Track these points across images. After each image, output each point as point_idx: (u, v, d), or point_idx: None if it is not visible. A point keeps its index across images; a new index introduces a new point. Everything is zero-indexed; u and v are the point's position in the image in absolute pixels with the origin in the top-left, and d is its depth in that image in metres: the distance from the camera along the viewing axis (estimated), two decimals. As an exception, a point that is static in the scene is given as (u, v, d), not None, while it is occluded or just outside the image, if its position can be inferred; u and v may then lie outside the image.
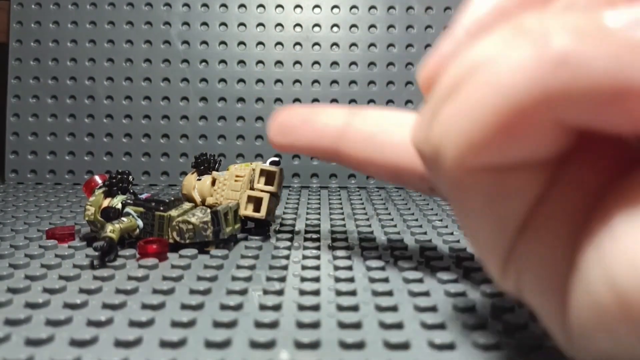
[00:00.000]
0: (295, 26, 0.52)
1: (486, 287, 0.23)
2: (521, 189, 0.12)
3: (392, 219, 0.36)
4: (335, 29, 0.52)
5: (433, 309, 0.21)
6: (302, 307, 0.21)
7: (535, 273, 0.13)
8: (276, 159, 0.32)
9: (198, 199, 0.32)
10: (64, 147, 0.51)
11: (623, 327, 0.11)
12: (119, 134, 0.51)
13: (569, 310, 0.12)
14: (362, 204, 0.42)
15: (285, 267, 0.26)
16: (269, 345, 0.18)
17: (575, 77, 0.10)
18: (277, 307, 0.21)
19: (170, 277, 0.24)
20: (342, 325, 0.20)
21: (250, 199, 0.31)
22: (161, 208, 0.29)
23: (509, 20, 0.12)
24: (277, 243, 0.30)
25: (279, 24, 0.52)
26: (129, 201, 0.30)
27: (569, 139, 0.11)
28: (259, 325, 0.20)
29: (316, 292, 0.23)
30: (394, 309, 0.21)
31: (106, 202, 0.30)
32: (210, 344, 0.18)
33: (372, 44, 0.52)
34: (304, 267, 0.26)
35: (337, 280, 0.24)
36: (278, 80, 0.51)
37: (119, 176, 0.31)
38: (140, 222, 0.29)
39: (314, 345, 0.18)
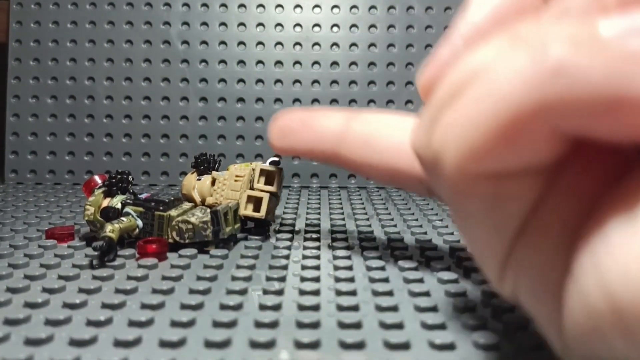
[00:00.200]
0: (295, 26, 0.52)
1: (486, 287, 0.23)
2: (519, 195, 0.12)
3: (392, 219, 0.36)
4: (335, 29, 0.52)
5: (433, 309, 0.21)
6: (302, 307, 0.21)
7: (531, 278, 0.13)
8: (276, 159, 0.32)
9: (198, 199, 0.32)
10: (63, 147, 0.51)
11: (617, 333, 0.11)
12: (118, 134, 0.51)
13: (564, 316, 0.12)
14: (362, 203, 0.41)
15: (285, 267, 0.26)
16: (269, 345, 0.18)
17: (571, 87, 0.10)
18: (277, 307, 0.21)
19: (169, 277, 0.24)
20: (342, 325, 0.20)
21: (250, 198, 0.31)
22: (161, 208, 0.29)
23: (505, 26, 0.12)
24: (277, 243, 0.30)
25: (279, 24, 0.52)
26: (128, 201, 0.30)
27: (565, 146, 0.12)
28: (258, 325, 0.20)
29: (316, 292, 0.23)
30: (394, 309, 0.21)
31: (106, 202, 0.30)
32: (209, 344, 0.18)
33: (372, 44, 0.52)
34: (303, 267, 0.26)
35: (337, 280, 0.24)
36: (278, 81, 0.51)
37: (119, 176, 0.31)
38: (139, 222, 0.29)
39: (314, 345, 0.18)
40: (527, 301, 0.13)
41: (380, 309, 0.21)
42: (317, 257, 0.28)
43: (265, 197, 0.31)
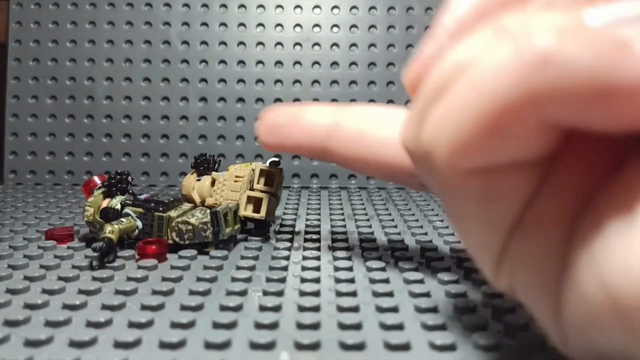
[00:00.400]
0: (295, 26, 0.52)
1: (487, 288, 0.23)
2: (512, 189, 0.12)
3: (392, 220, 0.36)
4: (335, 29, 0.52)
5: (434, 310, 0.21)
6: (302, 308, 0.21)
7: (528, 272, 0.13)
8: (276, 159, 0.32)
9: (197, 200, 0.32)
10: (63, 148, 0.51)
11: (616, 327, 0.11)
12: (118, 135, 0.51)
13: (562, 309, 0.12)
14: (363, 204, 0.41)
15: (285, 268, 0.26)
16: (269, 346, 0.18)
17: (559, 77, 0.10)
18: (277, 308, 0.21)
19: (169, 278, 0.24)
20: (343, 326, 0.20)
21: (249, 199, 0.31)
22: (160, 209, 0.29)
23: (489, 20, 0.12)
24: (277, 244, 0.30)
25: (279, 24, 0.52)
26: (127, 202, 0.30)
27: (557, 138, 0.12)
28: (258, 326, 0.20)
29: (316, 293, 0.23)
30: (394, 310, 0.21)
31: (105, 203, 0.30)
32: (209, 345, 0.18)
33: (372, 45, 0.51)
34: (304, 268, 0.26)
35: (338, 281, 0.24)
36: (278, 81, 0.51)
37: (118, 177, 0.31)
38: (139, 223, 0.29)
39: (314, 346, 0.18)
40: (524, 294, 0.13)
41: (380, 310, 0.21)
42: (317, 258, 0.28)
43: (265, 198, 0.31)
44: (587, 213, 0.12)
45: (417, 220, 0.36)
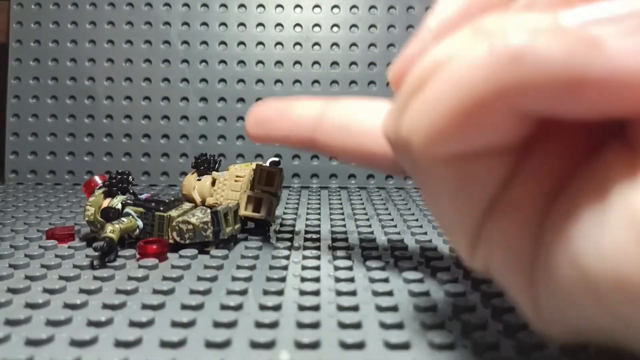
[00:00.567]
0: (295, 26, 0.52)
1: (486, 288, 0.23)
2: (486, 174, 0.13)
3: (392, 219, 0.36)
4: (335, 29, 0.52)
5: (433, 309, 0.21)
6: (302, 308, 0.21)
7: (503, 252, 0.14)
8: (276, 159, 0.32)
9: (198, 199, 0.32)
10: (63, 148, 0.51)
11: (589, 304, 0.12)
12: (118, 135, 0.51)
13: (537, 287, 0.13)
14: (362, 204, 0.42)
15: (285, 268, 0.26)
16: (269, 345, 0.18)
17: (529, 71, 0.11)
18: (277, 308, 0.21)
19: (170, 278, 0.24)
20: (343, 326, 0.20)
21: (250, 199, 0.31)
22: (161, 208, 0.29)
23: (472, 21, 0.13)
24: (277, 243, 0.30)
25: (279, 24, 0.52)
26: (128, 201, 0.30)
27: (529, 127, 0.12)
28: (259, 325, 0.20)
29: (316, 293, 0.23)
30: (394, 309, 0.21)
31: (106, 203, 0.30)
32: (210, 344, 0.18)
33: (372, 44, 0.52)
34: (304, 268, 0.26)
35: (337, 280, 0.24)
36: (278, 81, 0.51)
37: (119, 176, 0.31)
38: (140, 223, 0.29)
39: (314, 346, 0.18)
40: (499, 274, 0.14)
41: (380, 309, 0.21)
42: (317, 258, 0.28)
43: (266, 198, 0.31)
44: (562, 197, 0.13)
45: (416, 220, 0.36)
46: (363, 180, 0.50)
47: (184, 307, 0.21)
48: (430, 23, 0.16)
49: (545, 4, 0.13)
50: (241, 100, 0.51)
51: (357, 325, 0.20)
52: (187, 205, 0.31)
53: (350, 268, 0.26)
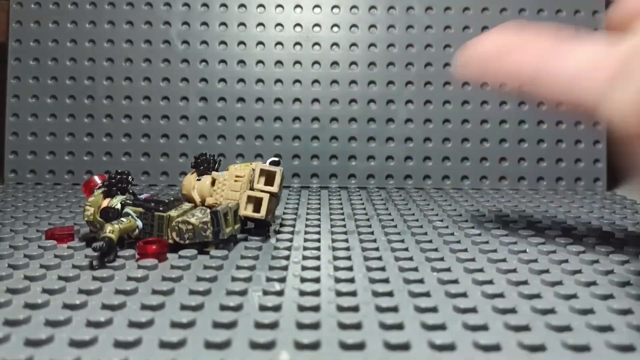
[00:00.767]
0: (295, 26, 0.52)
1: (487, 288, 0.23)
2: None
3: (392, 219, 0.36)
4: (335, 29, 0.52)
5: (433, 309, 0.21)
6: (302, 308, 0.21)
7: None
8: (276, 159, 0.32)
9: (198, 200, 0.32)
10: (63, 147, 0.51)
11: None
12: (118, 134, 0.51)
13: None
14: (362, 204, 0.41)
15: (285, 268, 0.26)
16: (269, 346, 0.18)
17: None
18: (277, 308, 0.21)
19: (169, 278, 0.24)
20: (342, 326, 0.20)
21: (250, 199, 0.31)
22: (160, 208, 0.29)
23: None
24: (277, 243, 0.30)
25: (279, 24, 0.52)
26: (128, 201, 0.30)
27: None
28: (258, 325, 0.20)
29: (316, 293, 0.23)
30: (394, 309, 0.21)
31: (105, 203, 0.30)
32: (209, 345, 0.18)
33: (372, 44, 0.51)
34: (304, 268, 0.26)
35: (337, 280, 0.24)
36: (278, 80, 0.51)
37: (118, 176, 0.31)
38: (139, 223, 0.29)
39: (314, 346, 0.18)
40: None
41: (380, 309, 0.21)
42: (317, 258, 0.28)
43: (265, 198, 0.31)
44: None
45: (416, 220, 0.36)
46: (363, 180, 0.50)
47: (184, 307, 0.21)
48: None
49: None
50: (241, 100, 0.51)
51: (357, 326, 0.20)
52: (186, 205, 0.31)
53: (350, 268, 0.26)
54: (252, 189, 0.31)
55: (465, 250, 0.29)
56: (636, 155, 0.17)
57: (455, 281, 0.24)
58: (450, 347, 0.18)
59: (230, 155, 0.51)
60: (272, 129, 0.51)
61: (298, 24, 0.52)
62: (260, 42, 0.52)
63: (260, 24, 0.52)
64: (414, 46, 0.51)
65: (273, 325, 0.20)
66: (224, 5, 0.52)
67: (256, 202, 0.31)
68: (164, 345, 0.18)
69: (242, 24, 0.52)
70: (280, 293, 0.23)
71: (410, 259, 0.27)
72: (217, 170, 0.33)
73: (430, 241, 0.31)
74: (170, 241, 0.28)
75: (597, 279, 0.25)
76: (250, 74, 0.51)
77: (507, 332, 0.19)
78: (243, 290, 0.23)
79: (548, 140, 0.50)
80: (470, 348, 0.18)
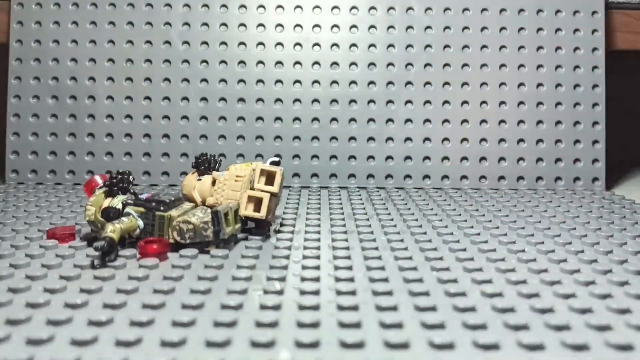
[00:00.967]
0: (295, 27, 0.52)
1: (486, 287, 0.23)
2: None
3: (392, 219, 0.36)
4: (335, 29, 0.52)
5: (433, 308, 0.21)
6: (302, 307, 0.21)
7: None
8: (276, 159, 0.32)
9: (198, 199, 0.32)
10: (64, 147, 0.51)
11: None
12: (119, 134, 0.51)
13: None
14: (362, 204, 0.42)
15: (285, 267, 0.26)
16: (269, 344, 0.18)
17: None
18: (277, 307, 0.21)
19: (170, 277, 0.24)
20: (342, 325, 0.20)
21: (250, 199, 0.31)
22: (161, 208, 0.29)
23: None
24: (278, 243, 0.30)
25: (279, 25, 0.52)
26: (129, 201, 0.30)
27: None
28: (259, 324, 0.20)
29: (316, 292, 0.23)
30: (393, 308, 0.21)
31: (106, 202, 0.30)
32: (210, 344, 0.18)
33: (372, 45, 0.52)
34: (304, 267, 0.26)
35: (337, 280, 0.24)
36: (278, 81, 0.52)
37: (119, 176, 0.31)
38: (140, 222, 0.29)
39: (314, 345, 0.18)
40: None
41: (380, 308, 0.21)
42: (317, 257, 0.28)
43: (266, 198, 0.31)
44: None
45: (416, 220, 0.36)
46: (363, 180, 0.50)
47: (185, 306, 0.21)
48: None
49: None
50: (241, 100, 0.51)
51: (356, 325, 0.20)
52: (187, 205, 0.31)
53: (350, 268, 0.26)
54: (252, 188, 0.31)
55: (464, 249, 0.29)
56: None
57: (455, 280, 0.24)
58: (449, 346, 0.18)
59: (230, 155, 0.51)
60: (272, 129, 0.51)
61: (298, 25, 0.52)
62: (261, 43, 0.52)
63: (261, 24, 0.52)
64: (413, 47, 0.51)
65: (273, 324, 0.20)
66: (224, 6, 0.52)
67: (256, 202, 0.31)
68: (164, 344, 0.18)
69: (243, 24, 0.52)
70: (280, 292, 0.23)
71: (410, 258, 0.27)
72: (217, 170, 0.33)
73: (430, 241, 0.31)
74: (171, 241, 0.29)
75: (595, 278, 0.25)
76: (250, 75, 0.52)
77: (506, 331, 0.19)
78: (243, 289, 0.23)
79: (547, 141, 0.50)
80: (470, 347, 0.18)
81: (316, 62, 0.51)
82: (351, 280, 0.24)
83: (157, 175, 0.51)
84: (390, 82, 0.51)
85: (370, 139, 0.51)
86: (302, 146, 0.51)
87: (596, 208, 0.41)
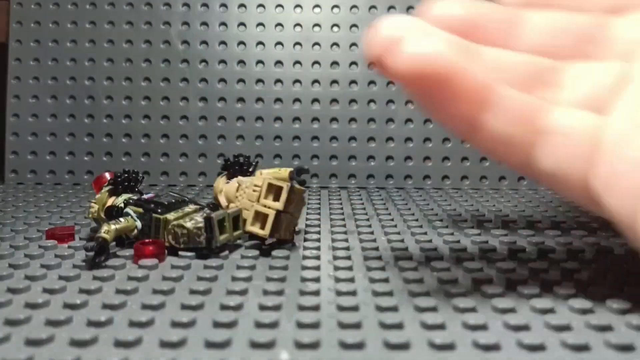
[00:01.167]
0: (295, 26, 0.52)
1: (486, 288, 0.23)
2: None
3: (392, 219, 0.36)
4: (335, 28, 0.52)
5: (433, 309, 0.21)
6: (302, 308, 0.21)
7: None
8: (305, 166, 0.30)
9: (224, 204, 0.31)
10: (63, 148, 0.51)
11: None
12: (118, 134, 0.51)
13: None
14: (362, 204, 0.42)
15: (285, 268, 0.26)
16: (269, 345, 0.18)
17: None
18: (277, 307, 0.21)
19: (170, 278, 0.24)
20: (342, 326, 0.20)
21: (257, 215, 0.28)
22: (158, 210, 0.29)
23: None
24: (278, 243, 0.30)
25: (279, 24, 0.52)
26: (130, 201, 0.30)
27: None
28: (259, 325, 0.20)
29: (316, 293, 0.23)
30: (394, 309, 0.21)
31: (111, 201, 0.30)
32: (210, 344, 0.18)
33: (372, 44, 0.51)
34: (304, 267, 0.26)
35: (337, 280, 0.24)
36: (278, 80, 0.51)
37: (125, 175, 0.31)
38: (138, 223, 0.29)
39: (314, 346, 0.18)
40: None
41: (380, 309, 0.21)
42: (317, 258, 0.28)
43: (271, 215, 0.28)
44: None
45: (416, 220, 0.36)
46: (363, 180, 0.50)
47: (184, 307, 0.21)
48: None
49: None
50: (241, 100, 0.51)
51: (357, 326, 0.20)
52: (190, 208, 0.30)
53: (350, 268, 0.26)
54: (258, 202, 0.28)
55: (465, 249, 0.29)
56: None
57: (455, 281, 0.24)
58: (450, 347, 0.18)
59: (229, 155, 0.50)
60: (272, 129, 0.51)
61: (298, 24, 0.52)
62: (260, 42, 0.52)
63: (260, 23, 0.52)
64: (413, 46, 0.51)
65: (273, 325, 0.20)
66: (223, 5, 0.52)
67: (264, 218, 0.28)
68: (164, 344, 0.18)
69: (242, 24, 0.52)
70: (280, 292, 0.23)
71: (410, 258, 0.27)
72: (253, 173, 0.32)
73: (430, 241, 0.31)
74: (167, 244, 0.28)
75: (596, 278, 0.25)
76: (250, 74, 0.52)
77: (506, 331, 0.19)
78: (243, 289, 0.23)
79: (548, 140, 0.50)
80: (470, 347, 0.18)
81: (316, 62, 0.51)
82: (351, 280, 0.24)
83: (157, 175, 0.51)
84: (390, 82, 0.51)
85: (371, 138, 0.51)
86: (302, 146, 0.51)
87: (596, 208, 0.41)
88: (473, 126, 0.19)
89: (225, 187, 0.32)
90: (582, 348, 0.18)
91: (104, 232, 0.27)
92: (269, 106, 0.51)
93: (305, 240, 0.31)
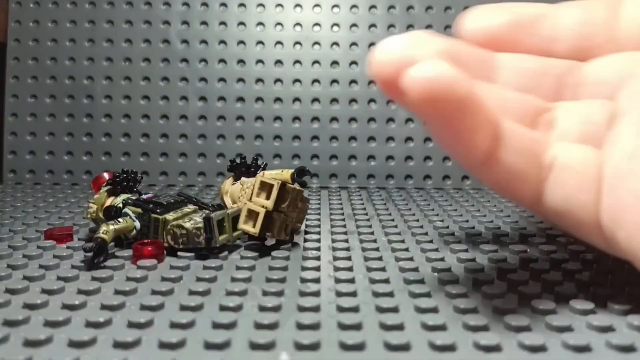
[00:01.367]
0: (295, 25, 0.52)
1: (487, 289, 0.23)
2: None
3: (392, 219, 0.36)
4: (335, 28, 0.52)
5: (434, 310, 0.21)
6: (302, 308, 0.21)
7: None
8: (304, 167, 0.31)
9: (229, 205, 0.32)
10: (62, 147, 0.51)
11: None
12: (117, 134, 0.51)
13: None
14: (363, 204, 0.41)
15: (285, 268, 0.26)
16: (269, 346, 0.18)
17: None
18: (276, 308, 0.21)
19: (169, 278, 0.24)
20: (343, 327, 0.20)
21: (250, 213, 0.28)
22: (157, 210, 0.29)
23: None
24: (277, 244, 0.30)
25: (279, 23, 0.52)
26: (129, 201, 0.30)
27: None
28: (258, 326, 0.20)
29: (316, 293, 0.23)
30: (394, 310, 0.21)
31: (109, 201, 0.30)
32: (209, 345, 0.18)
33: (372, 44, 0.51)
34: (303, 268, 0.26)
35: (338, 281, 0.24)
36: (278, 80, 0.51)
37: (124, 175, 0.31)
38: (137, 224, 0.29)
39: (314, 347, 0.18)
40: None
41: (380, 310, 0.21)
42: (317, 258, 0.28)
43: (261, 213, 0.28)
44: None
45: (417, 220, 0.36)
46: (363, 180, 0.50)
47: (183, 308, 0.21)
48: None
49: None
50: (241, 99, 0.51)
51: (357, 327, 0.20)
52: (189, 208, 0.30)
53: (350, 268, 0.26)
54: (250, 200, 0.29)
55: (466, 250, 0.29)
56: None
57: (456, 281, 0.24)
58: (450, 348, 0.18)
59: (229, 155, 0.50)
60: (271, 128, 0.51)
61: (298, 24, 0.52)
62: (260, 42, 0.52)
63: (260, 23, 0.52)
64: (413, 46, 0.51)
65: (273, 326, 0.20)
66: (223, 4, 0.52)
67: (255, 217, 0.28)
68: (163, 345, 0.18)
69: (242, 23, 0.52)
70: (280, 293, 0.23)
71: (411, 259, 0.27)
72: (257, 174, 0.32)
73: (431, 241, 0.31)
74: (166, 244, 0.28)
75: (597, 279, 0.24)
76: (249, 74, 0.51)
77: (507, 332, 0.19)
78: (243, 290, 0.23)
79: (548, 140, 0.50)
80: (471, 349, 0.18)
81: (316, 61, 0.51)
82: (351, 281, 0.24)
83: (156, 175, 0.51)
84: (390, 82, 0.51)
85: (371, 138, 0.51)
86: (302, 146, 0.51)
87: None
88: (487, 159, 0.19)
89: (231, 188, 0.32)
90: (584, 349, 0.18)
91: (103, 233, 0.26)
92: (268, 106, 0.51)
93: (305, 240, 0.31)
